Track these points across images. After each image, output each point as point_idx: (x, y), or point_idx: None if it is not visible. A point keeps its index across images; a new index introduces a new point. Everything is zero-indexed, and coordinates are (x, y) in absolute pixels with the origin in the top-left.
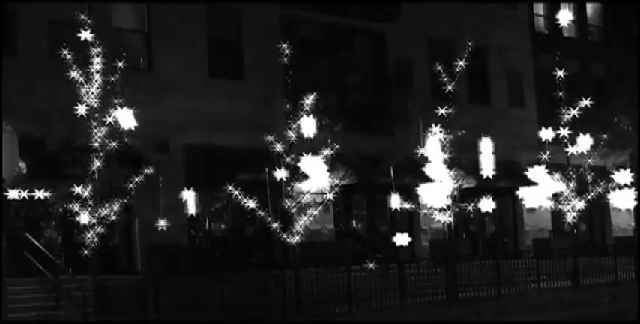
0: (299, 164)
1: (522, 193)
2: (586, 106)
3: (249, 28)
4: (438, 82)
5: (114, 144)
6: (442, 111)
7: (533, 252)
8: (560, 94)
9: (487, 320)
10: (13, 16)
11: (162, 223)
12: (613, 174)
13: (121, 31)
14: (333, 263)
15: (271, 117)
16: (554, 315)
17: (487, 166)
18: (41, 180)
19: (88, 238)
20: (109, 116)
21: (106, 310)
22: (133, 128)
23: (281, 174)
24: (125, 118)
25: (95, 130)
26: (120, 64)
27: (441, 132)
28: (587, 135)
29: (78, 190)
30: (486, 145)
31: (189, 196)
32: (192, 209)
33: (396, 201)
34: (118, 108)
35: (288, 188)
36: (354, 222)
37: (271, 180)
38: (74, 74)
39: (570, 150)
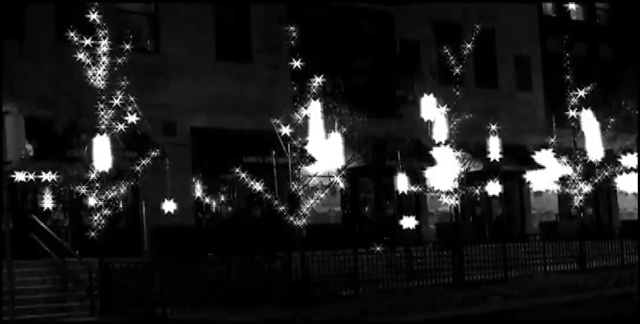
0: (306, 147)
1: (529, 176)
2: (593, 89)
3: (256, 10)
4: (445, 64)
5: (121, 126)
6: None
7: (540, 235)
8: (568, 77)
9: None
10: None
11: (169, 206)
12: (620, 157)
13: (127, 13)
14: (340, 246)
15: (278, 100)
16: (560, 298)
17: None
18: (48, 162)
19: (95, 220)
20: (116, 98)
21: (112, 292)
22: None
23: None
24: None
25: (102, 113)
26: (127, 47)
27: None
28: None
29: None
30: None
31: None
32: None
33: (403, 183)
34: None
35: (296, 171)
36: (360, 205)
37: (278, 163)
38: (81, 56)
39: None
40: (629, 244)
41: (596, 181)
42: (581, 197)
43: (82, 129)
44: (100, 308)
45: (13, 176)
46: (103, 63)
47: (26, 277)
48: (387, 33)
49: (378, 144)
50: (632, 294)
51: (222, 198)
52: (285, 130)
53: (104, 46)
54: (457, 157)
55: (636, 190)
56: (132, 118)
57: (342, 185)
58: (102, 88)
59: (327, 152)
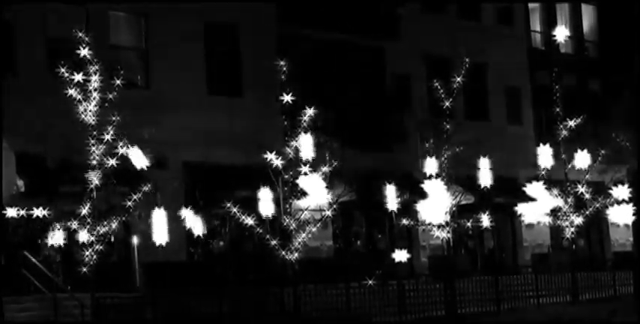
0: (297, 181)
1: (521, 208)
2: (583, 121)
3: (246, 45)
4: (435, 98)
5: (112, 161)
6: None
7: (532, 267)
8: (558, 109)
9: None
10: (11, 32)
11: (160, 241)
12: (611, 189)
13: (118, 48)
14: (332, 280)
15: (269, 134)
16: None
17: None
18: (39, 198)
19: (87, 255)
20: (107, 134)
21: None
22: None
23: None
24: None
25: (93, 148)
26: (118, 82)
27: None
28: (585, 151)
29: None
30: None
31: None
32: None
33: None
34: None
35: (287, 205)
36: (352, 238)
37: (270, 197)
38: (72, 92)
39: (568, 166)
40: (621, 276)
41: (587, 213)
42: (572, 229)
43: (73, 164)
44: None
45: (4, 212)
46: (94, 98)
47: (17, 313)
48: (378, 67)
49: (369, 177)
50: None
51: (214, 232)
52: (277, 164)
53: (95, 81)
54: (448, 190)
55: (627, 222)
56: (122, 151)
57: (330, 215)
58: (93, 123)
59: (318, 186)
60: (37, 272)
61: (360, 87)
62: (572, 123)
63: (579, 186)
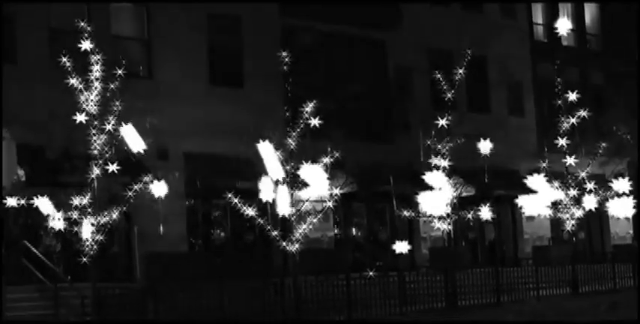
0: (299, 172)
1: (521, 201)
2: (585, 114)
3: (249, 35)
4: (437, 90)
5: (113, 151)
6: (442, 122)
7: (533, 260)
8: (559, 102)
9: None
10: (12, 23)
11: (161, 231)
12: (611, 182)
13: (120, 38)
14: (333, 271)
15: (271, 125)
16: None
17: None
18: (40, 188)
19: (87, 245)
20: (109, 124)
21: (104, 318)
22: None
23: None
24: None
25: (94, 138)
26: (119, 72)
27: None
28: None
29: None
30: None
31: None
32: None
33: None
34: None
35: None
36: (353, 230)
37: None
38: (73, 82)
39: (569, 160)
40: (621, 268)
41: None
42: (573, 222)
43: (74, 154)
44: None
45: (5, 201)
46: (95, 88)
47: (17, 303)
48: (380, 59)
49: (370, 169)
50: (626, 319)
51: (215, 223)
52: (278, 155)
53: (97, 71)
54: (449, 181)
55: (627, 215)
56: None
57: (331, 206)
58: (94, 113)
59: (319, 177)
60: (37, 262)
61: (362, 79)
62: (574, 120)
63: (580, 179)
